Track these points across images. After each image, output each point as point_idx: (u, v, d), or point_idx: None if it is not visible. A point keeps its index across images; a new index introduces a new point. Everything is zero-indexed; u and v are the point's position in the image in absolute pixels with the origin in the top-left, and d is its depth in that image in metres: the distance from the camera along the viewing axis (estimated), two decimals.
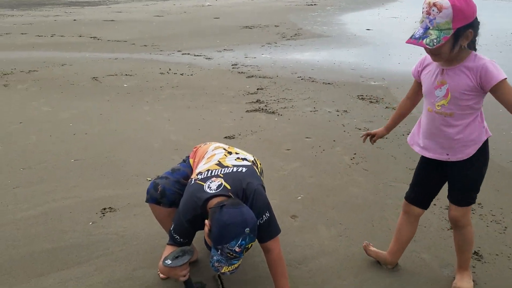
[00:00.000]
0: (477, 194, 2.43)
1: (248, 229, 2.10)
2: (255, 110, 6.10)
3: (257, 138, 5.08)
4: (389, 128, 2.82)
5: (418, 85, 2.51)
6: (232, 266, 2.19)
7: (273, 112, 6.01)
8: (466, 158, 2.32)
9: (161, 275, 2.65)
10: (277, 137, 5.13)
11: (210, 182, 2.37)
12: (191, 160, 2.81)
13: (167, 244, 2.47)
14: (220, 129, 5.35)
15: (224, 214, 2.11)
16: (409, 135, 2.62)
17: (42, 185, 3.87)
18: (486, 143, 2.34)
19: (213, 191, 2.31)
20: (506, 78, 2.13)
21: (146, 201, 2.67)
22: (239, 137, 5.12)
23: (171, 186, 2.60)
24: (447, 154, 2.36)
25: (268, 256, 2.41)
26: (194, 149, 2.88)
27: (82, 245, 2.99)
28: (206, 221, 2.21)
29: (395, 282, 2.66)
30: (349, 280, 2.67)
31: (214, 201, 2.28)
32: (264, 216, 2.33)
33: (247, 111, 6.07)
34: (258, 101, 6.50)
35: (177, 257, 2.28)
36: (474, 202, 2.43)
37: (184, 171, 2.72)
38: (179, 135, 5.14)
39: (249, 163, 2.56)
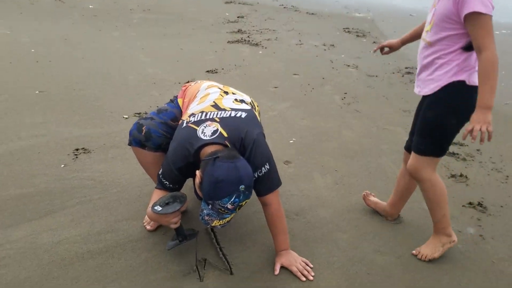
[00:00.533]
0: (441, 154, 2.17)
1: (243, 186, 1.85)
2: (237, 41, 5.65)
3: (241, 74, 4.70)
4: (404, 41, 2.51)
5: None
6: (224, 220, 1.96)
7: (256, 44, 5.58)
8: (430, 93, 2.10)
9: (148, 227, 2.40)
10: (263, 73, 4.77)
11: (205, 127, 2.06)
12: (179, 100, 2.45)
13: (156, 188, 2.20)
14: (202, 62, 4.92)
15: (218, 168, 1.83)
16: None
17: (4, 121, 3.44)
18: (461, 91, 2.05)
19: (208, 138, 2.01)
20: (485, 14, 1.84)
21: (128, 144, 2.35)
22: (222, 71, 4.72)
23: (157, 127, 2.28)
24: (419, 87, 2.18)
25: (266, 210, 2.19)
26: (183, 88, 2.52)
27: (54, 192, 2.66)
28: (198, 172, 1.94)
29: (398, 235, 2.52)
30: (350, 233, 2.50)
31: (208, 149, 1.99)
32: (263, 168, 2.06)
33: (229, 42, 5.61)
34: (239, 31, 6.02)
35: (167, 203, 2.03)
36: (429, 154, 2.15)
37: (172, 112, 2.38)
38: (156, 67, 4.69)
39: (248, 107, 2.24)
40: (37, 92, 3.97)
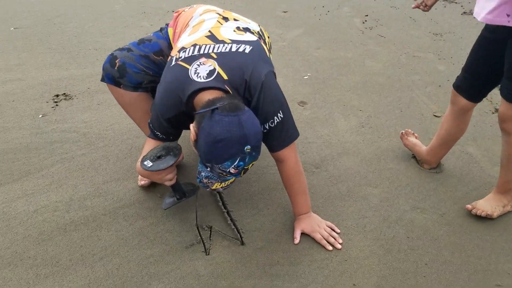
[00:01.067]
0: None
1: (248, 147, 1.42)
2: None
3: None
4: None
5: None
6: (227, 182, 1.57)
7: None
8: None
9: (141, 183, 2.02)
10: None
11: (198, 65, 1.58)
12: (170, 30, 1.94)
13: (148, 137, 1.79)
14: None
15: (216, 124, 1.39)
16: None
17: None
18: None
19: (202, 80, 1.54)
20: None
21: (101, 80, 1.90)
22: None
23: (135, 61, 1.81)
24: (508, 15, 1.58)
25: (281, 167, 1.77)
26: (175, 15, 1.99)
27: (30, 148, 2.26)
28: (192, 127, 1.50)
29: (439, 187, 2.11)
30: (382, 186, 2.09)
31: (204, 96, 1.53)
32: (275, 118, 1.62)
33: None
34: None
35: (159, 157, 1.63)
36: None
37: (156, 44, 1.88)
38: None
39: (255, 38, 1.74)
40: (12, 28, 3.44)
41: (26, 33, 3.39)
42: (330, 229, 1.82)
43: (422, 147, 2.21)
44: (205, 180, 1.55)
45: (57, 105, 2.60)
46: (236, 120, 1.39)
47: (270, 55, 1.87)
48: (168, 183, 1.71)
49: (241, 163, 1.44)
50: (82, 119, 2.48)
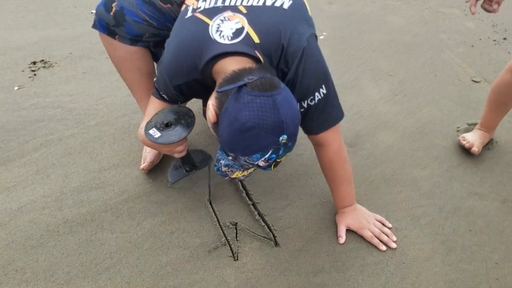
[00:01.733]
0: None
1: (284, 137, 1.07)
2: None
3: None
4: None
5: None
6: (250, 170, 1.24)
7: None
8: None
9: (141, 166, 1.68)
10: None
11: (222, 21, 1.20)
12: None
13: (152, 95, 1.43)
14: None
15: (245, 107, 1.04)
16: None
17: None
18: None
19: (227, 42, 1.17)
20: None
21: (92, 27, 1.47)
22: None
23: (136, 7, 1.37)
24: None
25: (322, 152, 1.44)
26: None
27: (8, 129, 1.87)
28: (212, 106, 1.13)
29: (494, 166, 1.82)
30: (431, 167, 1.79)
31: (227, 64, 1.16)
32: (316, 94, 1.27)
33: None
34: None
35: (167, 125, 1.29)
36: None
37: None
38: None
39: None
40: None
41: None
42: (380, 224, 1.53)
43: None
44: (224, 169, 1.22)
45: (35, 74, 2.18)
46: (271, 102, 1.04)
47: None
48: (177, 155, 1.39)
49: (274, 155, 1.10)
50: (67, 92, 2.08)
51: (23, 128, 1.87)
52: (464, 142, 1.83)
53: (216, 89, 1.12)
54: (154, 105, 1.40)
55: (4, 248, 1.42)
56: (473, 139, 1.83)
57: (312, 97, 1.27)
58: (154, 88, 1.40)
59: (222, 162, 1.21)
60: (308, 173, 1.73)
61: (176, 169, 1.52)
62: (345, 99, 2.13)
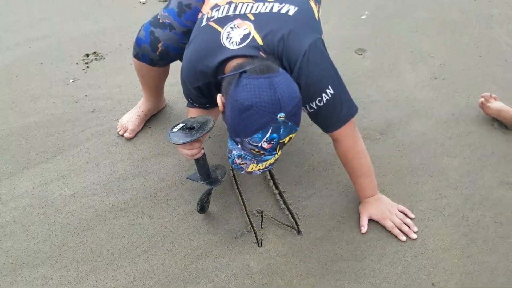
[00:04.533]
0: None
1: (282, 114, 1.14)
2: None
3: None
4: None
5: None
6: (265, 163, 1.31)
7: None
8: None
9: (127, 136, 1.97)
10: None
11: (232, 28, 1.31)
12: None
13: (187, 106, 1.61)
14: None
15: (243, 89, 1.15)
16: None
17: None
18: None
19: (235, 47, 1.28)
20: None
21: (133, 56, 1.71)
22: None
23: (177, 42, 1.61)
24: None
25: (337, 147, 1.51)
26: None
27: (64, 120, 2.07)
28: (219, 97, 1.26)
29: None
30: (462, 156, 1.77)
31: (233, 64, 1.28)
32: (323, 95, 1.33)
33: None
34: None
35: (190, 128, 1.41)
36: None
37: (197, 9, 1.57)
38: None
39: None
40: None
41: None
42: (403, 215, 1.56)
43: (510, 111, 1.83)
44: (237, 161, 1.31)
45: (88, 67, 2.37)
46: (267, 83, 1.14)
47: (320, 11, 1.55)
48: (188, 158, 1.48)
49: (275, 135, 1.17)
50: (116, 83, 2.25)
51: (77, 119, 2.07)
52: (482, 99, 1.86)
53: (220, 77, 1.26)
54: (191, 114, 1.58)
55: (60, 231, 1.62)
56: (494, 105, 1.82)
57: (320, 98, 1.34)
58: (185, 97, 1.57)
59: (234, 153, 1.30)
60: (336, 162, 1.78)
61: (196, 172, 1.62)
62: (381, 85, 2.12)
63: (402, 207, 1.58)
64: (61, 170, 1.85)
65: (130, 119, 1.97)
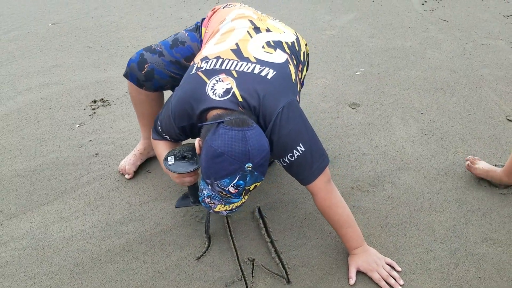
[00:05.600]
0: None
1: (250, 165, 1.29)
2: None
3: None
4: None
5: None
6: (231, 205, 1.43)
7: None
8: None
9: (129, 177, 2.08)
10: None
11: (216, 81, 1.47)
12: (203, 30, 1.86)
13: (153, 139, 1.78)
14: None
15: (219, 137, 1.31)
16: None
17: (12, 67, 2.91)
18: None
19: (217, 99, 1.44)
20: None
21: (124, 75, 1.88)
22: None
23: (164, 68, 1.79)
24: None
25: (314, 199, 1.61)
26: (211, 12, 1.89)
27: (67, 163, 2.17)
28: (197, 140, 1.43)
29: None
30: (449, 211, 1.83)
31: (214, 113, 1.44)
32: (294, 152, 1.47)
33: None
34: None
35: (184, 157, 1.57)
36: None
37: (189, 48, 1.83)
38: None
39: (282, 59, 1.57)
40: (50, 24, 3.35)
41: (63, 29, 3.30)
42: (389, 268, 1.60)
43: (497, 171, 1.90)
44: (207, 200, 1.43)
45: (94, 112, 2.49)
46: (240, 135, 1.29)
47: (306, 65, 1.77)
48: (187, 184, 1.63)
49: (241, 182, 1.31)
50: (120, 129, 2.36)
51: (80, 163, 2.16)
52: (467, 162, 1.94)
53: (199, 124, 1.41)
54: (161, 145, 1.72)
55: (56, 272, 1.67)
56: (481, 166, 1.89)
57: (291, 154, 1.48)
58: (154, 131, 1.73)
59: (205, 192, 1.41)
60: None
61: (184, 198, 1.75)
62: (373, 138, 2.21)
63: (389, 260, 1.63)
64: (62, 212, 1.91)
65: (127, 159, 2.10)
